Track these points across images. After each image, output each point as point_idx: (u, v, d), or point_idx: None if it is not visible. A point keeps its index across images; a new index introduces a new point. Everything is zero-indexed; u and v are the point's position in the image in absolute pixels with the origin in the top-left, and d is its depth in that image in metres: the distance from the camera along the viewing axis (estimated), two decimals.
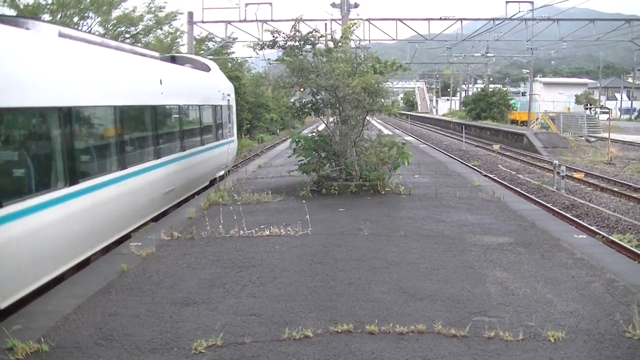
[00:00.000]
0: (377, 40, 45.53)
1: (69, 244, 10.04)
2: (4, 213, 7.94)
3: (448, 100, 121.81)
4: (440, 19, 41.43)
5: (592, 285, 8.59)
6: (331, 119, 19.92)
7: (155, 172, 14.32)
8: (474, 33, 46.11)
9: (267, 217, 13.62)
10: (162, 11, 41.51)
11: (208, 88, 20.41)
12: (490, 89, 75.40)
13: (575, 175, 27.24)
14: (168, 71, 16.93)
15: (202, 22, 39.14)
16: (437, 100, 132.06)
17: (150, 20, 41.25)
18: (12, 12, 33.89)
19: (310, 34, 17.71)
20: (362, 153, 17.51)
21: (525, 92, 76.54)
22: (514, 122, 66.40)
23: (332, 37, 18.18)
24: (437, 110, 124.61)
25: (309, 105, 18.69)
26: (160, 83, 15.01)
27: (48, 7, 35.22)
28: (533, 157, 37.12)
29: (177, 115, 16.73)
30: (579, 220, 17.43)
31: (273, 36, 18.05)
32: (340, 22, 29.59)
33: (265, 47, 18.75)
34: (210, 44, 48.60)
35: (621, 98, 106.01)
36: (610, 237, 15.22)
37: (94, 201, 10.88)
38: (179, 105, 16.67)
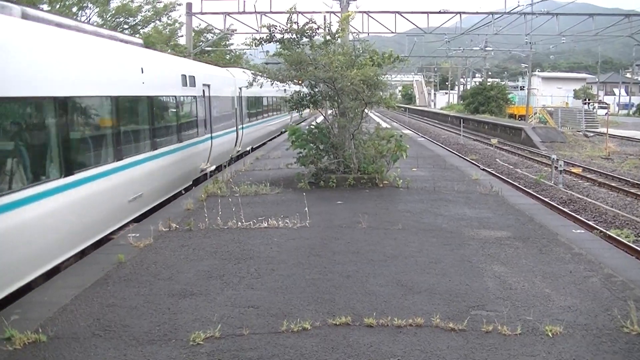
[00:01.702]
0: (375, 33, 45.56)
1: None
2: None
3: (446, 93, 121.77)
4: (440, 12, 41.37)
5: (590, 280, 8.60)
6: (329, 112, 19.87)
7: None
8: (473, 27, 46.11)
9: (265, 209, 13.60)
10: (161, 2, 41.44)
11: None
12: (488, 83, 75.47)
13: (573, 170, 27.26)
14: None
15: (201, 13, 39.03)
16: (435, 94, 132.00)
17: (148, 11, 41.16)
18: None
19: (307, 25, 17.65)
20: (361, 146, 17.48)
21: (523, 87, 76.54)
22: (512, 116, 66.37)
23: (329, 30, 18.11)
24: (435, 104, 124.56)
25: (308, 98, 18.64)
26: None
27: None
28: (531, 152, 37.12)
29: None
30: (576, 215, 17.46)
31: (269, 30, 17.98)
32: (339, 14, 29.51)
33: (263, 42, 18.66)
34: (209, 36, 48.52)
35: (619, 93, 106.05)
36: (608, 232, 15.25)
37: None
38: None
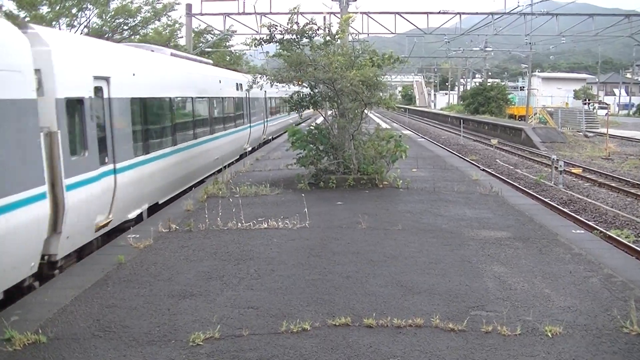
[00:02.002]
0: (375, 33, 45.60)
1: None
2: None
3: (446, 94, 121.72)
4: (439, 12, 41.34)
5: (590, 281, 8.60)
6: (329, 112, 19.84)
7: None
8: (473, 27, 46.12)
9: (265, 209, 13.61)
10: (160, 2, 41.36)
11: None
12: (488, 84, 75.40)
13: (573, 170, 27.26)
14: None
15: (201, 14, 39.04)
16: (435, 94, 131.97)
17: (147, 12, 41.08)
18: (11, 4, 33.78)
19: (307, 25, 17.64)
20: (360, 146, 17.48)
21: (523, 87, 76.57)
22: (512, 116, 66.33)
23: (329, 31, 18.09)
24: (435, 104, 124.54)
25: (307, 99, 18.63)
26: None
27: None
28: (531, 152, 37.13)
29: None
30: (576, 216, 17.46)
31: (270, 31, 17.96)
32: (338, 15, 29.49)
33: (263, 42, 18.66)
34: (209, 37, 48.48)
35: (619, 93, 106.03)
36: (608, 232, 15.26)
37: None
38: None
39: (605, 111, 59.68)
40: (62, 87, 9.72)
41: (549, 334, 6.71)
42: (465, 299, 7.87)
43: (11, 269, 8.25)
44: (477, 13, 44.64)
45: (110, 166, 11.53)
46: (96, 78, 11.13)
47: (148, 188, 13.93)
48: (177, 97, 16.60)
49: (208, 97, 20.46)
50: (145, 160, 13.60)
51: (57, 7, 35.48)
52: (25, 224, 8.30)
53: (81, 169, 10.26)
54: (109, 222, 11.54)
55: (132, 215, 12.96)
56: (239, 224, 11.97)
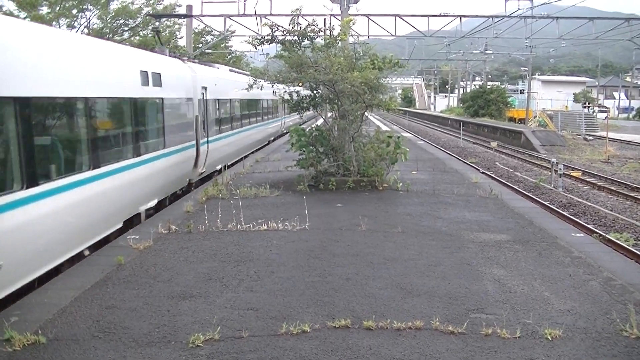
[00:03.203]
0: (375, 36, 45.53)
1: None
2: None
3: (446, 97, 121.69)
4: (440, 15, 41.29)
5: (590, 284, 8.60)
6: (329, 114, 19.84)
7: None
8: (473, 30, 46.01)
9: (264, 211, 13.60)
10: (161, 3, 41.35)
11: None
12: (488, 86, 75.39)
13: (573, 173, 27.28)
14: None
15: (201, 15, 38.98)
16: (435, 97, 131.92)
17: (148, 13, 41.06)
18: (11, 4, 33.74)
19: (309, 27, 17.64)
20: (360, 149, 17.48)
21: (523, 90, 76.54)
22: (511, 119, 66.33)
23: (330, 33, 18.08)
24: (435, 107, 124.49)
25: (308, 100, 18.62)
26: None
27: None
28: (531, 155, 37.14)
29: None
30: (576, 219, 17.46)
31: (271, 30, 17.96)
32: (339, 17, 29.46)
33: (264, 42, 18.66)
34: (209, 38, 48.48)
35: (619, 97, 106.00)
36: (607, 235, 15.25)
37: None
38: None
39: (604, 114, 59.80)
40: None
41: (549, 337, 6.72)
42: (464, 301, 7.88)
43: (269, 136, 35.00)
44: (477, 16, 44.69)
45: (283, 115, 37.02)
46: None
47: (287, 125, 38.04)
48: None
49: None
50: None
51: (57, 8, 35.49)
52: (277, 125, 38.80)
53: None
54: (284, 131, 36.77)
55: (285, 130, 37.47)
56: (239, 226, 11.97)
